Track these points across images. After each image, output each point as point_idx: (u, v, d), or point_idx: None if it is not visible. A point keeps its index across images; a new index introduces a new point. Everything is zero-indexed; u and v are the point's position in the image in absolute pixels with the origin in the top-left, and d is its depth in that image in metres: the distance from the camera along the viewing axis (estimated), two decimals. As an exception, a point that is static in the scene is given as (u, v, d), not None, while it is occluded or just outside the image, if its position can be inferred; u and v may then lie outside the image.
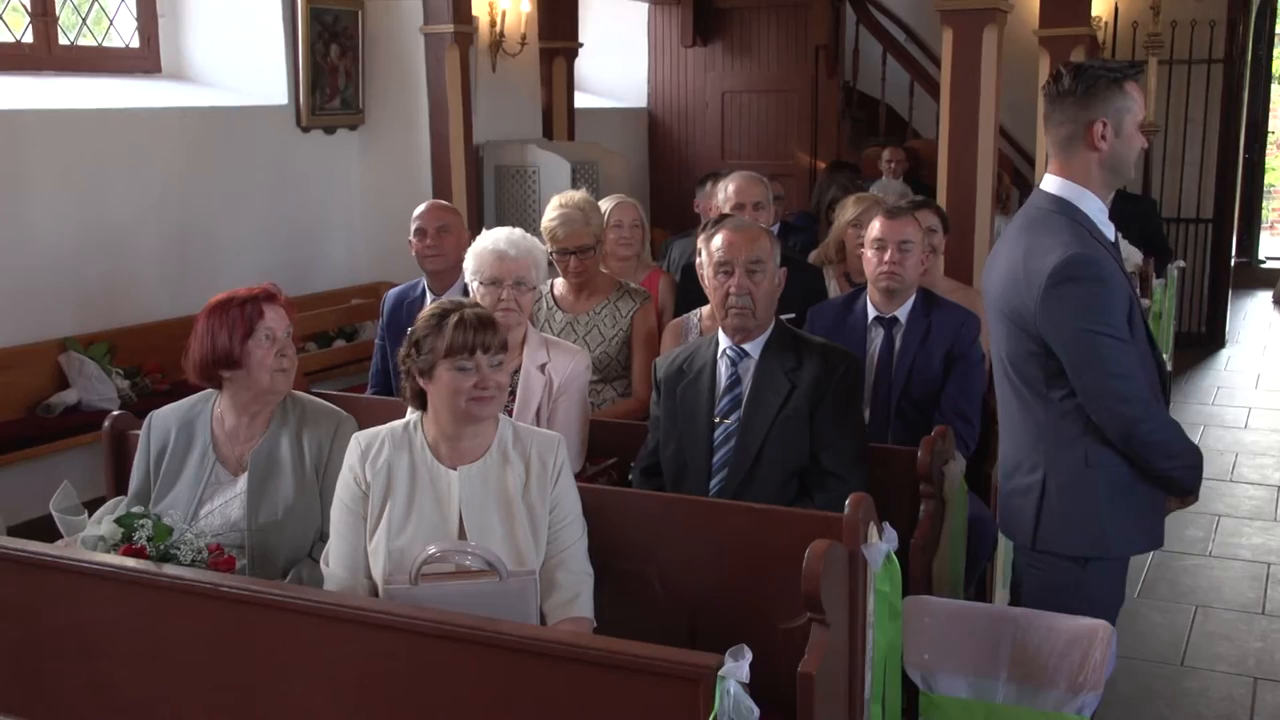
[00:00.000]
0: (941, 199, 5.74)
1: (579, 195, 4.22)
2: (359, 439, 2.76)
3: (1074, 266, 2.58)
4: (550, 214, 4.12)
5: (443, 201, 4.57)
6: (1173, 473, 2.71)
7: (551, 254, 4.02)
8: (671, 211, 9.36)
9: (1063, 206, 2.69)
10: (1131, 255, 6.60)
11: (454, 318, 2.66)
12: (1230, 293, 9.76)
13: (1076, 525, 2.73)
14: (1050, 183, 2.74)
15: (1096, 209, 2.71)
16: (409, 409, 2.81)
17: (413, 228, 4.24)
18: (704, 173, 6.90)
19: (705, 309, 3.86)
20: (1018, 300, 2.69)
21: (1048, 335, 2.64)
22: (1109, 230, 2.73)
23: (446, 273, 4.16)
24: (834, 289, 4.56)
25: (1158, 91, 8.98)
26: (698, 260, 3.60)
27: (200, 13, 6.50)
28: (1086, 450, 2.69)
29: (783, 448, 3.08)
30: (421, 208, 4.33)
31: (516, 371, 3.41)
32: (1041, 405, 2.73)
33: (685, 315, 4.04)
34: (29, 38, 5.76)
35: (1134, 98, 2.67)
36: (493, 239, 3.45)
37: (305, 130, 6.68)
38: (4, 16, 5.65)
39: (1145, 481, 2.72)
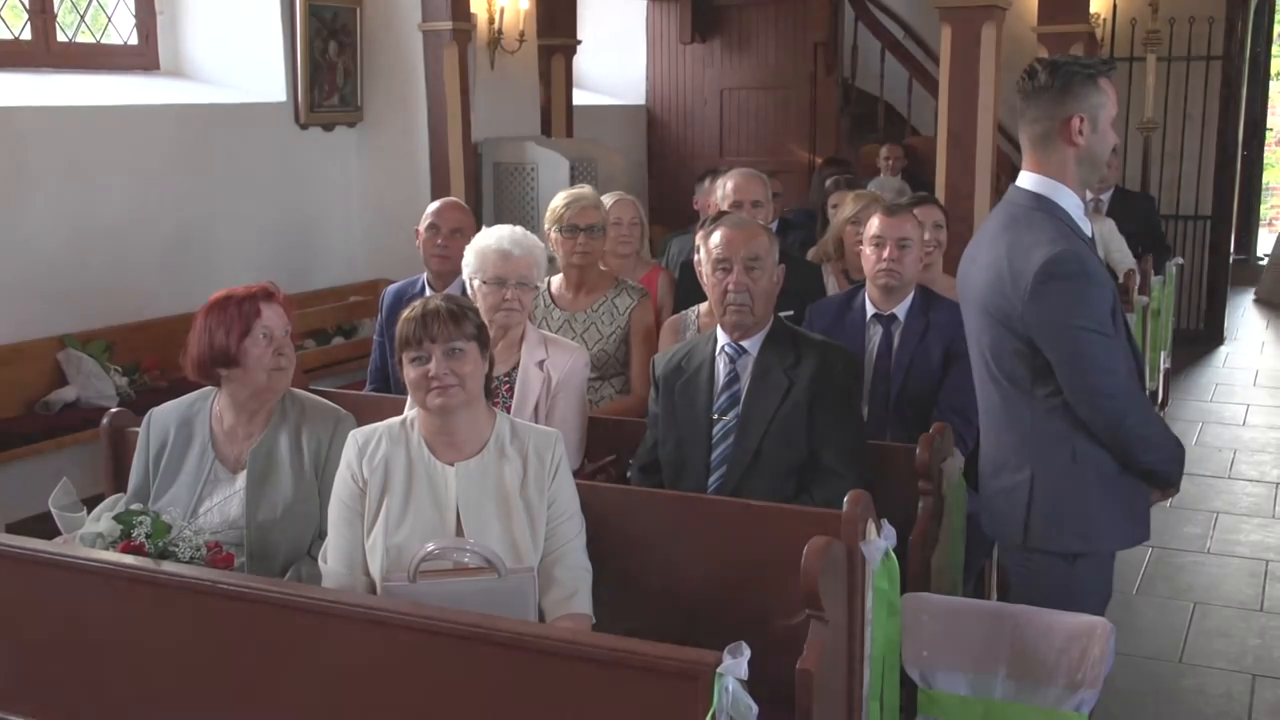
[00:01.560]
0: (940, 196, 5.73)
1: (586, 188, 4.27)
2: (356, 436, 2.76)
3: (1060, 263, 2.58)
4: (558, 200, 4.14)
5: (459, 201, 4.51)
6: (1156, 465, 2.72)
7: (555, 237, 4.04)
8: (670, 208, 9.35)
9: (1042, 203, 2.69)
10: (1125, 260, 6.58)
11: (405, 312, 2.69)
12: (1228, 290, 9.76)
13: (1066, 522, 2.73)
14: (1027, 179, 2.74)
15: (1074, 204, 2.71)
16: (407, 405, 2.80)
17: (426, 222, 4.23)
18: (702, 170, 6.91)
19: (702, 306, 3.86)
20: (1001, 298, 2.68)
21: (1034, 333, 2.64)
22: (1086, 226, 2.73)
23: (450, 273, 4.16)
24: (832, 286, 4.56)
25: (1156, 88, 8.99)
26: (696, 257, 3.60)
27: (198, 9, 6.48)
28: (1074, 446, 2.69)
29: (781, 445, 3.08)
30: (437, 204, 4.32)
31: (515, 368, 3.42)
32: (1027, 402, 2.72)
33: (682, 312, 4.04)
34: (27, 34, 5.75)
35: (1108, 94, 2.67)
36: (495, 237, 3.42)
37: (304, 127, 6.67)
38: (2, 13, 5.64)
39: (1130, 475, 2.73)
